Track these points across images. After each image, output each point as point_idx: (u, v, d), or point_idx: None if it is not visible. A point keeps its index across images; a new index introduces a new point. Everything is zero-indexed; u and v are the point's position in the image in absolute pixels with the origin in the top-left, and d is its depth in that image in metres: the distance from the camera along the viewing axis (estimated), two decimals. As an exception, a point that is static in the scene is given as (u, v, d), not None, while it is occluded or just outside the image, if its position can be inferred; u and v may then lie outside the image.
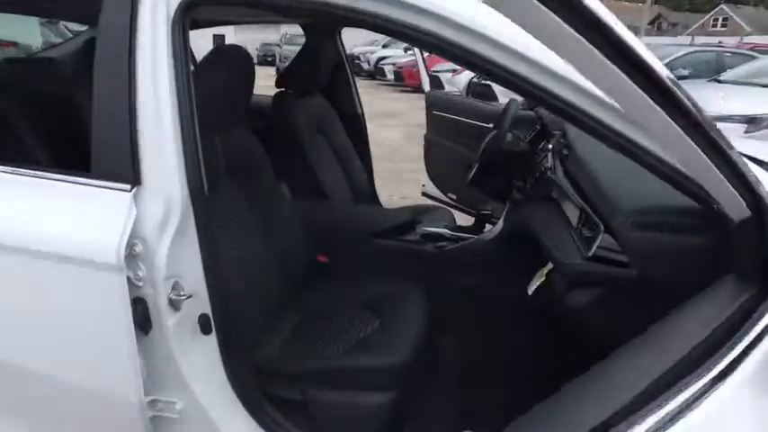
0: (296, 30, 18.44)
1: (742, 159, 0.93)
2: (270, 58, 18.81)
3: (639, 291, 1.03)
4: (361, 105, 2.47)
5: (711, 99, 5.49)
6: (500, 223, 1.78)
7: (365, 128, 2.50)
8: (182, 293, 1.01)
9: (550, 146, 1.79)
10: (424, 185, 3.18)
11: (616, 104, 0.93)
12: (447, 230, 1.93)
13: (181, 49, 1.00)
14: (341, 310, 1.53)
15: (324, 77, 2.14)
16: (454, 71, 11.15)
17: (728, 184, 0.92)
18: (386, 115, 9.54)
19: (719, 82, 6.72)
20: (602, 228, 1.10)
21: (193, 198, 1.01)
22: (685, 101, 0.82)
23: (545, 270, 1.32)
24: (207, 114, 1.10)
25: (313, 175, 2.02)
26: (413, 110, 10.44)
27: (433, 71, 11.40)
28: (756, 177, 0.93)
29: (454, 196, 2.94)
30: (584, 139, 1.72)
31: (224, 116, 1.39)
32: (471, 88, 11.41)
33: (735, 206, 0.96)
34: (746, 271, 0.96)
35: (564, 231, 1.29)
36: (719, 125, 0.86)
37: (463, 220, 2.55)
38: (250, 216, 1.48)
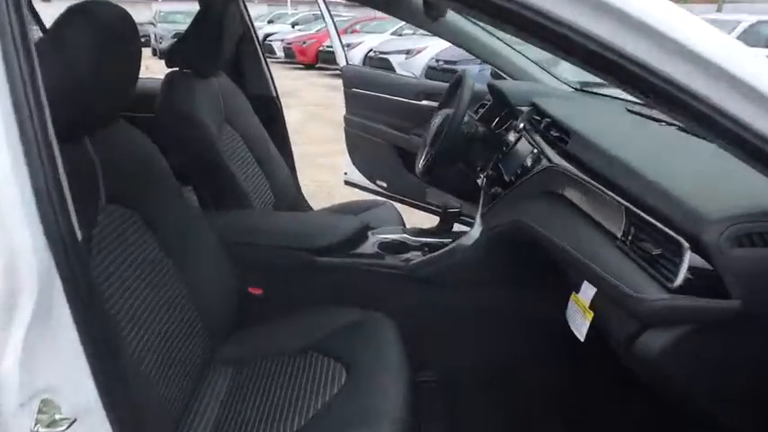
0: (170, 6, 17.11)
1: None
2: (143, 39, 17.18)
3: (743, 327, 0.77)
4: (275, 86, 2.05)
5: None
6: (477, 224, 1.46)
7: (282, 114, 2.08)
8: (58, 417, 0.60)
9: (521, 125, 1.50)
10: (346, 173, 2.82)
11: None
12: (409, 236, 1.59)
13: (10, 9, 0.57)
14: (285, 368, 1.16)
15: (228, 52, 1.67)
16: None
17: None
18: (281, 95, 8.97)
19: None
20: (688, 244, 0.80)
21: (56, 252, 0.59)
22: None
23: (582, 300, 1.02)
24: (67, 109, 0.73)
25: (227, 176, 1.58)
26: (310, 88, 9.93)
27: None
28: None
29: (384, 184, 2.63)
30: (590, 116, 1.46)
31: (95, 109, 0.95)
32: (367, 62, 11.07)
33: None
34: None
35: (604, 245, 0.96)
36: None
37: (410, 214, 2.24)
38: (153, 256, 1.05)
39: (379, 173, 2.65)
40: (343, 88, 2.67)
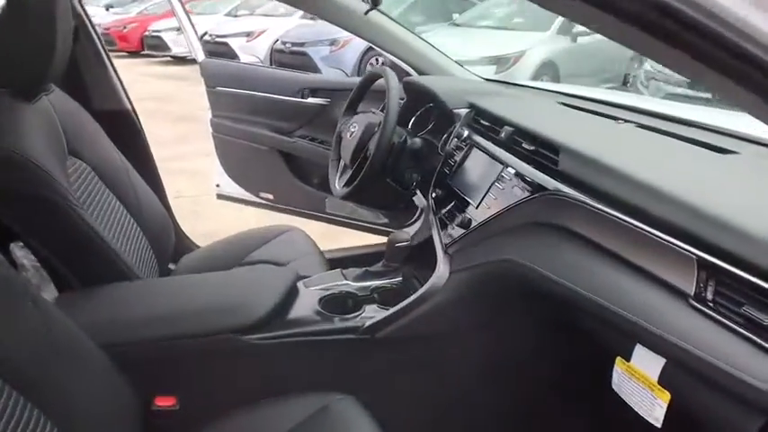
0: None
1: None
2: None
3: None
4: (127, 95, 1.58)
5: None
6: (442, 262, 1.16)
7: (141, 130, 1.62)
8: None
9: (465, 132, 1.26)
10: (218, 185, 2.42)
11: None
12: (351, 282, 1.26)
13: None
14: None
15: (64, 58, 1.17)
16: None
17: None
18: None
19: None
20: None
21: None
22: None
23: (640, 371, 0.79)
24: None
25: (80, 232, 1.13)
26: (141, 80, 8.83)
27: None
28: None
29: (270, 196, 2.28)
30: (554, 119, 1.24)
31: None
32: (204, 47, 10.09)
33: None
34: None
35: (670, 305, 0.74)
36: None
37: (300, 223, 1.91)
38: None
39: (262, 183, 2.30)
40: (205, 87, 2.26)
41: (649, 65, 5.58)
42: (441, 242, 1.19)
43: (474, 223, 1.12)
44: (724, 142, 1.12)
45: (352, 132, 1.36)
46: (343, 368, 1.14)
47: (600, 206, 0.89)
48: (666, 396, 0.76)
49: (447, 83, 1.52)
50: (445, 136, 1.34)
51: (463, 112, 1.32)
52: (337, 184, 1.42)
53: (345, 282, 1.28)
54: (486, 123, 1.24)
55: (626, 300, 0.81)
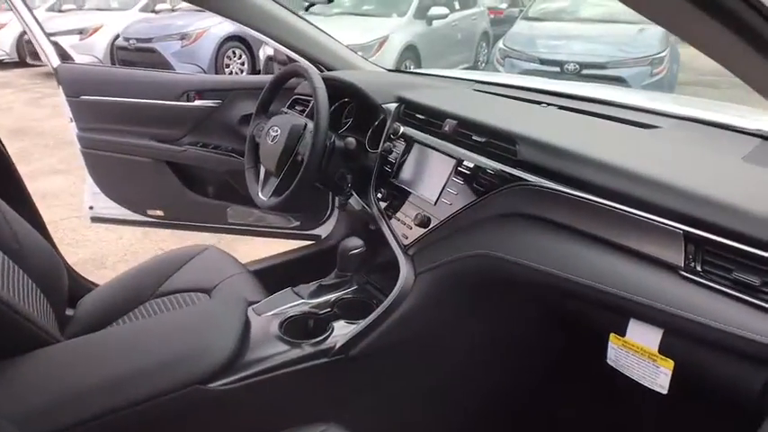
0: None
1: None
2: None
3: None
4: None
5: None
6: (404, 263, 1.08)
7: (10, 162, 1.33)
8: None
9: (400, 129, 1.19)
10: (92, 207, 2.12)
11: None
12: (306, 300, 1.12)
13: None
14: None
15: None
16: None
17: None
18: None
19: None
20: None
21: None
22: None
23: (638, 344, 0.79)
24: None
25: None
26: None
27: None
28: None
29: (160, 213, 2.04)
30: (492, 107, 1.19)
31: None
32: (29, 47, 8.83)
33: None
34: None
35: (661, 278, 0.76)
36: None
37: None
38: None
39: (148, 200, 2.05)
40: (64, 97, 1.95)
41: (502, 44, 5.96)
42: (399, 244, 1.13)
43: (434, 221, 1.07)
44: (642, 118, 1.18)
45: (275, 137, 1.23)
46: (322, 395, 1.04)
47: (571, 191, 0.88)
48: (670, 364, 0.78)
49: (368, 77, 1.45)
50: (370, 133, 1.28)
51: (392, 106, 1.26)
52: (261, 194, 1.29)
53: (301, 300, 1.16)
54: (422, 117, 1.19)
55: (616, 278, 0.82)
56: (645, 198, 0.81)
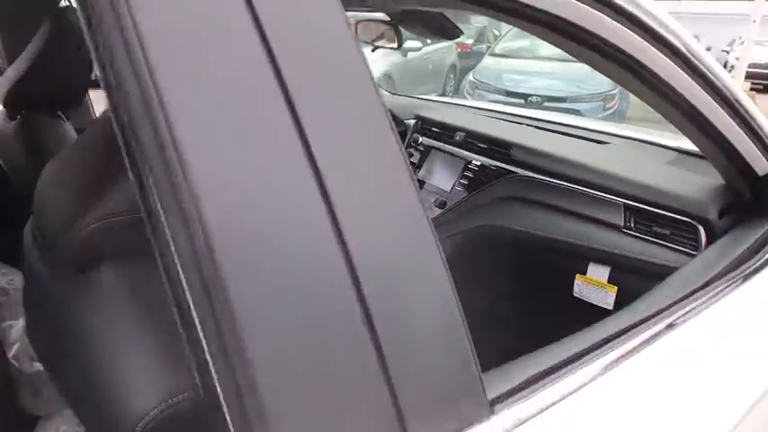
0: None
1: (761, 121, 1.05)
2: None
3: None
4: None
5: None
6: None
7: None
8: None
9: (419, 139, 1.59)
10: None
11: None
12: None
13: None
14: None
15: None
16: None
17: (753, 146, 1.04)
18: None
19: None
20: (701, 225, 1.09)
21: None
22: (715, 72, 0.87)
23: (595, 278, 1.19)
24: None
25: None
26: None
27: None
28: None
29: None
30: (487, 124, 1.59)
31: None
32: None
33: (759, 163, 1.08)
34: None
35: (609, 233, 1.16)
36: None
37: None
38: None
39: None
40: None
41: (472, 77, 6.53)
42: None
43: (450, 203, 1.49)
44: (596, 137, 1.62)
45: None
46: None
47: (549, 180, 1.30)
48: (614, 289, 1.20)
49: (389, 99, 1.86)
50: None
51: (411, 122, 1.67)
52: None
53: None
54: (437, 130, 1.60)
55: (581, 235, 1.23)
56: (599, 183, 1.23)
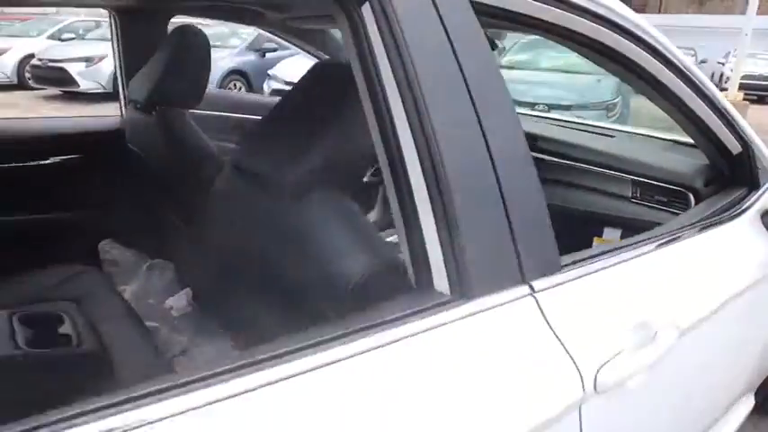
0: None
1: (732, 112, 1.40)
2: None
3: None
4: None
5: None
6: None
7: None
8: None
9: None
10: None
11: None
12: None
13: None
14: None
15: None
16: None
17: (727, 131, 1.39)
18: None
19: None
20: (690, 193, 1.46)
21: None
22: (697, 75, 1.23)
23: (609, 239, 1.56)
24: None
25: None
26: None
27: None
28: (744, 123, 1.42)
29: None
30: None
31: None
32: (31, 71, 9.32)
33: (732, 144, 1.43)
34: (742, 180, 1.46)
35: (621, 203, 1.54)
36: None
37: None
38: None
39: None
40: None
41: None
42: None
43: None
44: (603, 131, 1.99)
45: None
46: None
47: (571, 163, 1.65)
48: None
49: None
50: None
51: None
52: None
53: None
54: None
55: (599, 206, 1.58)
56: (611, 164, 1.59)
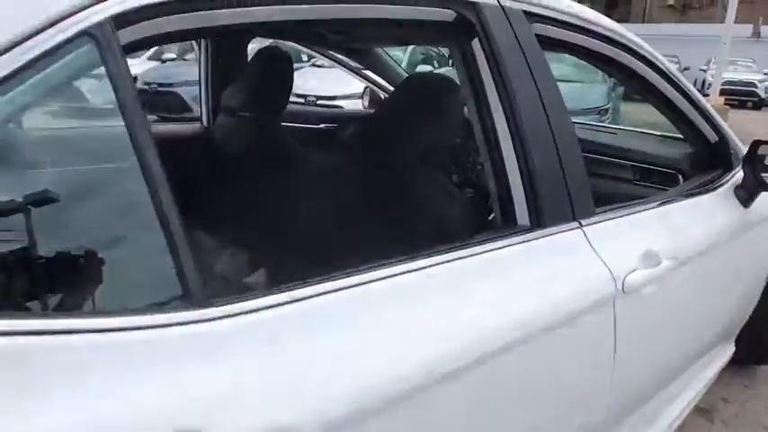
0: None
1: (708, 108, 1.82)
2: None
3: None
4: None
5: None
6: None
7: None
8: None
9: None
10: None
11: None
12: None
13: None
14: None
15: None
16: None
17: (705, 123, 1.81)
18: None
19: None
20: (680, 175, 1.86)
21: None
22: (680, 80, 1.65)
23: None
24: None
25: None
26: None
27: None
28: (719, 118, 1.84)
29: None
30: None
31: None
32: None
33: (710, 135, 1.85)
34: (719, 164, 1.87)
35: (625, 185, 1.97)
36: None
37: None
38: None
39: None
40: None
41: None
42: None
43: None
44: (606, 130, 2.42)
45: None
46: None
47: (584, 154, 2.07)
48: None
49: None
50: None
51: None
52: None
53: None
54: None
55: (608, 186, 1.99)
56: (615, 154, 2.01)
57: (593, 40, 1.39)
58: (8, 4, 0.65)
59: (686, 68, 17.19)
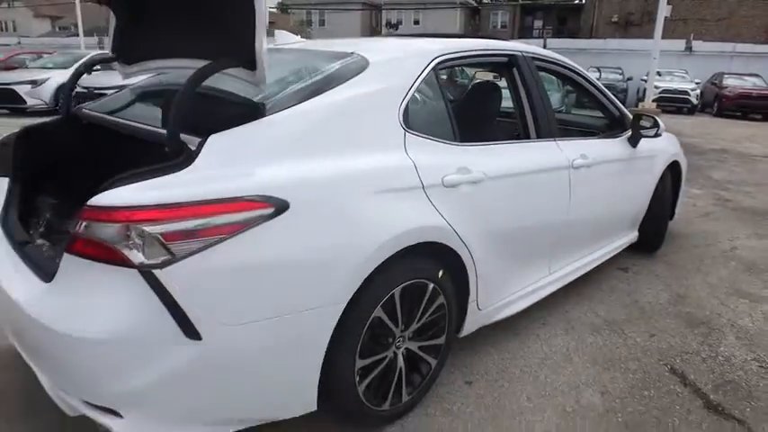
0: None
1: (614, 99, 3.65)
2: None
3: None
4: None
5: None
6: None
7: None
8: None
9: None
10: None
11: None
12: None
13: None
14: None
15: None
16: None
17: (613, 108, 3.62)
18: None
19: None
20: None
21: None
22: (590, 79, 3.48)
23: None
24: None
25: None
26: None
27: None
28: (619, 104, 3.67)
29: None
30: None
31: None
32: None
33: (615, 112, 3.66)
34: (618, 126, 3.63)
35: None
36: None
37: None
38: None
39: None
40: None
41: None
42: None
43: None
44: (568, 113, 4.25)
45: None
46: None
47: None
48: None
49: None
50: None
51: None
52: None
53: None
54: None
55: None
56: (570, 123, 3.83)
57: (555, 65, 3.17)
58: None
59: (629, 78, 19.45)
